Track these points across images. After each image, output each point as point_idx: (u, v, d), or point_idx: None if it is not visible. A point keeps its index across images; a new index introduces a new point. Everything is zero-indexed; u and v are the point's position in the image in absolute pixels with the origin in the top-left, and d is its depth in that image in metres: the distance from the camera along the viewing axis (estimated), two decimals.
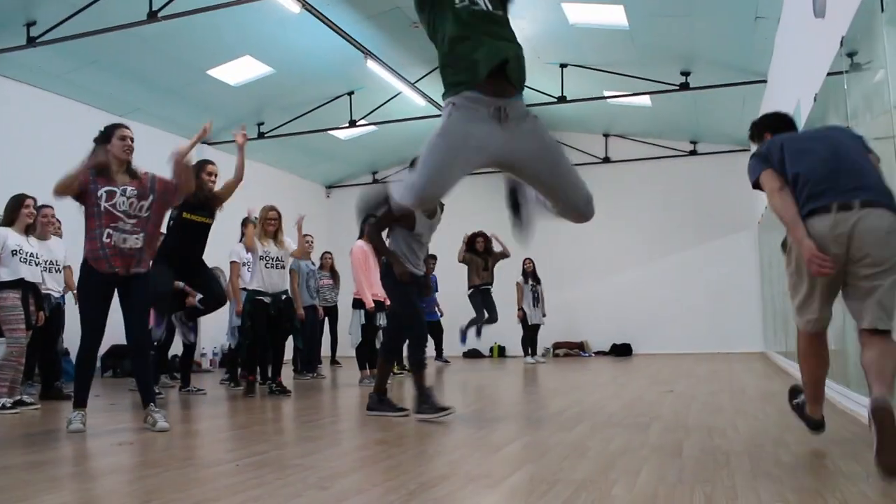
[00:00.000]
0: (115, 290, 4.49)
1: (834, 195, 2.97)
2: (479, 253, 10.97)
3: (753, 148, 4.27)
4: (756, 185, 3.35)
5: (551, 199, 3.12)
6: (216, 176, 6.28)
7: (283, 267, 6.93)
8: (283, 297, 6.93)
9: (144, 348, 4.61)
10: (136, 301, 4.53)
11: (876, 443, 2.59)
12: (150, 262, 4.76)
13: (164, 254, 5.88)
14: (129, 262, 4.45)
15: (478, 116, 2.93)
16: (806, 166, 3.11)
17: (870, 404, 2.70)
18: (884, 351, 2.89)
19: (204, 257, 6.23)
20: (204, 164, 6.28)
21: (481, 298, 10.79)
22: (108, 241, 4.40)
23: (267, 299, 6.77)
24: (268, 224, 6.96)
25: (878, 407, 2.64)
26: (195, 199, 5.89)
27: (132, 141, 4.64)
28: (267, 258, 6.83)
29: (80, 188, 4.42)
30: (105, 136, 4.59)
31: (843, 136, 3.27)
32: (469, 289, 10.92)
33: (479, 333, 10.99)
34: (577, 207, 3.13)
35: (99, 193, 4.44)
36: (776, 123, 3.69)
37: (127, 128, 4.66)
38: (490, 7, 3.01)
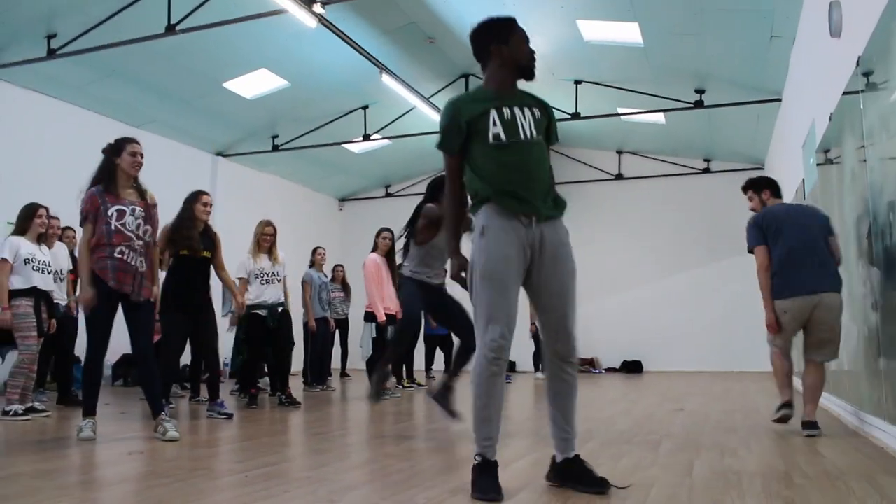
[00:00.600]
0: (120, 304, 4.52)
1: (797, 289, 4.66)
2: None
3: (746, 197, 5.42)
4: (750, 251, 5.06)
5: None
6: (211, 206, 6.09)
7: (278, 281, 6.94)
8: (280, 309, 6.94)
9: (150, 359, 4.63)
10: (140, 322, 4.60)
11: None
12: (156, 301, 4.84)
13: (170, 297, 5.81)
14: (132, 281, 4.50)
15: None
16: (779, 252, 4.86)
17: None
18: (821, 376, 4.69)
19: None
20: (199, 195, 6.06)
21: None
22: (122, 256, 4.45)
23: (263, 312, 6.79)
24: (263, 240, 6.93)
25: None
26: (191, 234, 5.86)
27: (142, 157, 4.66)
28: (261, 273, 6.83)
29: (93, 213, 4.47)
30: (116, 150, 4.62)
31: (812, 222, 4.71)
32: None
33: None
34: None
35: (110, 212, 4.48)
36: (773, 187, 5.22)
37: (138, 143, 4.68)
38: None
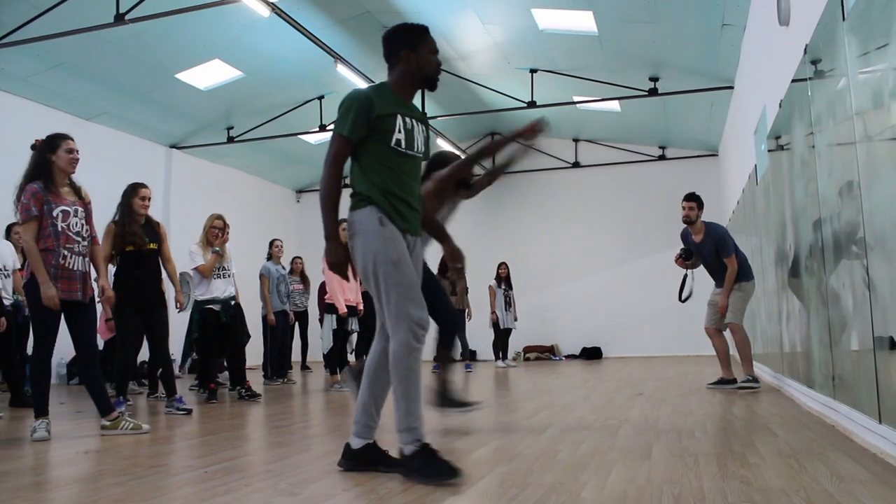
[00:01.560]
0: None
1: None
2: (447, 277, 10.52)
3: (686, 206, 6.83)
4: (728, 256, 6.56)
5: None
6: (150, 199, 5.91)
7: (228, 276, 6.87)
8: (233, 302, 6.88)
9: (94, 359, 4.56)
10: (83, 322, 4.53)
11: None
12: (101, 294, 4.77)
13: (121, 294, 5.60)
14: (73, 285, 4.42)
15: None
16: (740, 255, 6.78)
17: None
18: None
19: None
20: (136, 188, 5.87)
21: None
22: (63, 262, 4.38)
23: (217, 307, 6.72)
24: (212, 233, 6.83)
25: None
26: (134, 228, 5.72)
27: (78, 153, 4.55)
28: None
29: (39, 211, 4.36)
30: (50, 146, 4.49)
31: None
32: None
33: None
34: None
35: (55, 213, 4.38)
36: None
37: (73, 140, 4.56)
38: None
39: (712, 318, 6.79)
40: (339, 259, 3.01)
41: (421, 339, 2.89)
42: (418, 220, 3.10)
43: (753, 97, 7.63)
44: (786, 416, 4.56)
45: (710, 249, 6.63)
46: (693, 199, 6.84)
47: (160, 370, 6.25)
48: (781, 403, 5.33)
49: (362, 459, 3.02)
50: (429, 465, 2.78)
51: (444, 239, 3.65)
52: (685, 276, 7.23)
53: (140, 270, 5.72)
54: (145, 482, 2.97)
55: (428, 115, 11.54)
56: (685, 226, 6.89)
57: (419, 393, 2.90)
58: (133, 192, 5.83)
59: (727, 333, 6.77)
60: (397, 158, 3.00)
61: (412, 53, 3.07)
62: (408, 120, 3.03)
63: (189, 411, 5.58)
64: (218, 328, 6.74)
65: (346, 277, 3.18)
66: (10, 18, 8.11)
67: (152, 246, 5.82)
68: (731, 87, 9.97)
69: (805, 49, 4.40)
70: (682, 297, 7.22)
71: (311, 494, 2.65)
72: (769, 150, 6.52)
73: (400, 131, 2.99)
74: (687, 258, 6.93)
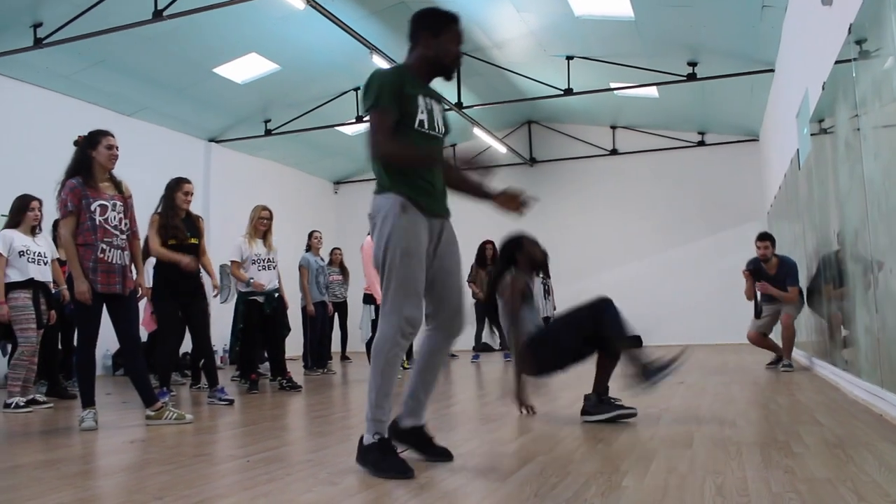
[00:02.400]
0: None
1: None
2: (485, 265, 10.09)
3: (762, 245, 7.44)
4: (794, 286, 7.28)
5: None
6: (192, 194, 6.02)
7: (274, 267, 6.93)
8: (276, 294, 6.95)
9: (137, 351, 4.64)
10: (126, 314, 4.60)
11: None
12: (144, 287, 4.87)
13: (161, 286, 5.78)
14: (112, 278, 4.49)
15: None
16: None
17: None
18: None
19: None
20: (181, 182, 5.97)
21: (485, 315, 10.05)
22: (103, 256, 4.45)
23: (260, 299, 6.79)
24: (260, 224, 6.91)
25: None
26: (176, 223, 5.83)
27: (118, 149, 4.63)
28: (258, 259, 6.82)
29: (77, 206, 4.44)
30: (91, 143, 4.57)
31: None
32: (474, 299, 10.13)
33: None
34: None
35: (93, 207, 4.46)
36: None
37: (113, 136, 4.64)
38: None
39: (758, 325, 7.60)
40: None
41: (408, 336, 2.85)
42: (444, 200, 3.05)
43: (795, 80, 7.47)
44: (831, 405, 4.48)
45: (781, 279, 7.34)
46: (767, 238, 7.49)
47: (202, 361, 6.35)
48: (826, 391, 5.23)
49: (406, 440, 3.06)
50: (383, 461, 2.77)
51: (484, 193, 3.09)
52: (756, 298, 7.70)
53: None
54: (190, 471, 3.02)
55: (463, 105, 11.59)
56: (757, 259, 7.52)
57: (392, 387, 2.87)
58: (177, 187, 5.93)
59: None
60: (421, 140, 2.95)
61: (433, 38, 3.02)
62: (427, 100, 2.99)
63: (231, 401, 5.66)
64: (261, 319, 6.83)
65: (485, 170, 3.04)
66: (53, 18, 8.26)
67: (193, 241, 5.92)
68: (772, 70, 9.77)
69: (849, 29, 4.29)
70: (760, 316, 7.70)
71: (350, 484, 2.67)
72: (812, 134, 6.38)
73: (422, 112, 2.95)
74: (755, 274, 7.50)
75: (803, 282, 7.46)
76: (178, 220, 5.84)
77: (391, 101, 2.87)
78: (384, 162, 2.92)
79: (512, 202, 3.00)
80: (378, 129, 2.87)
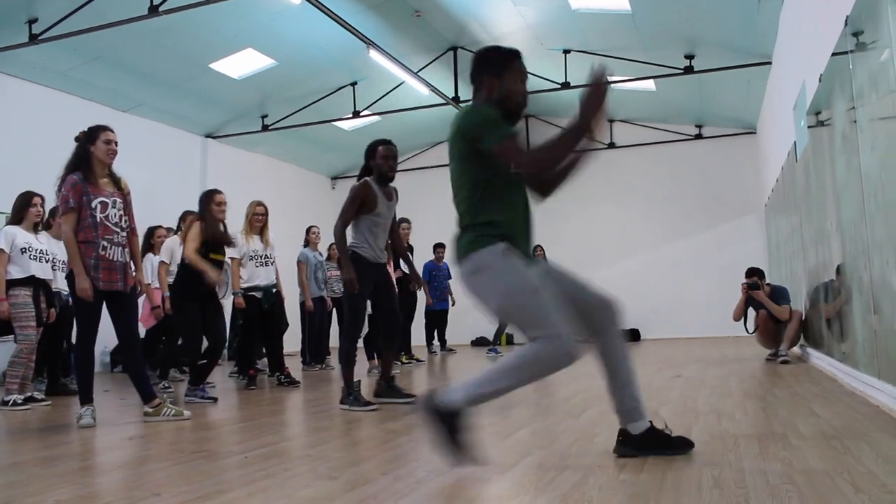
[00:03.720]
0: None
1: None
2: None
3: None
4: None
5: None
6: (226, 205, 6.08)
7: (271, 263, 6.95)
8: (274, 290, 6.96)
9: (136, 347, 4.64)
10: (125, 311, 4.59)
11: None
12: (143, 283, 4.89)
13: (182, 287, 5.89)
14: (113, 275, 4.48)
15: None
16: None
17: None
18: None
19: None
20: (212, 194, 6.05)
21: None
22: (104, 253, 4.44)
23: (259, 294, 6.80)
24: (255, 220, 6.94)
25: None
26: (213, 236, 5.92)
27: (116, 144, 4.62)
28: (255, 255, 6.85)
29: (78, 203, 4.44)
30: (90, 138, 4.56)
31: None
32: None
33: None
34: None
35: (93, 204, 4.45)
36: None
37: (112, 131, 4.63)
38: None
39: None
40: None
41: (576, 354, 2.59)
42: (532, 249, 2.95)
43: (792, 72, 7.47)
44: (828, 397, 4.49)
45: (775, 300, 7.67)
46: (755, 274, 7.93)
47: (205, 359, 6.36)
48: (823, 383, 5.25)
49: (644, 444, 2.79)
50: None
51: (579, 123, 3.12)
52: (745, 318, 8.02)
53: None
54: (188, 467, 3.02)
55: (461, 99, 11.57)
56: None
57: (503, 392, 2.68)
58: (210, 199, 6.03)
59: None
60: (518, 185, 2.88)
61: (496, 80, 2.89)
62: None
63: (215, 399, 5.68)
64: (259, 315, 6.84)
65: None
66: (49, 14, 8.24)
67: (220, 257, 6.10)
68: (769, 63, 9.77)
69: (846, 21, 4.29)
70: (751, 330, 8.02)
71: (350, 478, 2.67)
72: (809, 126, 6.38)
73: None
74: (752, 288, 7.76)
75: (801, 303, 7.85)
76: (219, 234, 5.96)
77: (505, 128, 2.78)
78: (542, 173, 2.90)
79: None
80: (518, 151, 2.77)
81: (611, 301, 2.88)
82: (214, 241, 5.92)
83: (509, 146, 2.74)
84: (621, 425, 2.85)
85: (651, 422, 2.82)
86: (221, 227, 6.02)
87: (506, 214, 2.81)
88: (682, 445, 2.82)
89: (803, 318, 7.56)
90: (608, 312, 2.85)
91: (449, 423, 2.66)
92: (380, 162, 5.18)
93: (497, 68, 2.91)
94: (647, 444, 2.79)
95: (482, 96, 2.93)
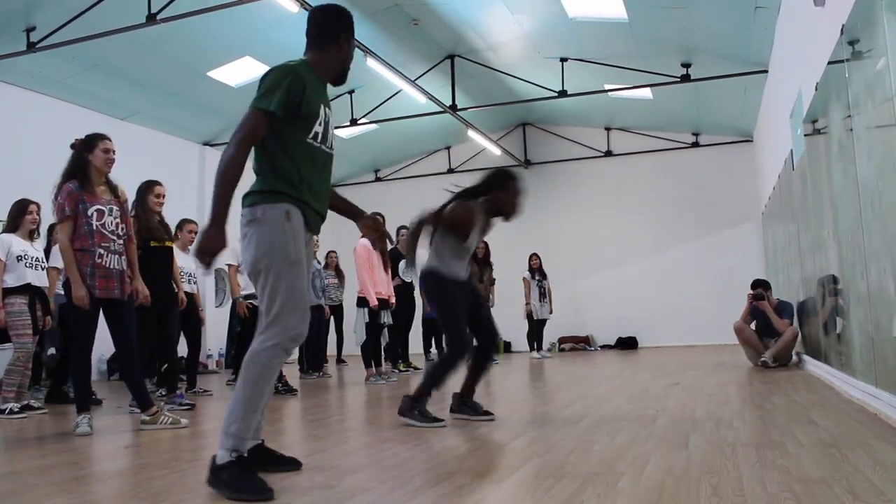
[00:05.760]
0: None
1: None
2: (476, 261, 9.73)
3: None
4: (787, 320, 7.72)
5: None
6: (164, 197, 5.99)
7: None
8: None
9: (133, 355, 4.61)
10: (122, 319, 4.56)
11: None
12: (140, 291, 4.83)
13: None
14: (110, 283, 4.47)
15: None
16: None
17: None
18: None
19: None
20: (152, 185, 5.96)
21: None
22: (100, 261, 4.43)
23: (256, 302, 6.78)
24: None
25: None
26: (152, 223, 5.85)
27: (114, 153, 4.62)
28: None
29: (74, 211, 4.43)
30: (88, 146, 4.55)
31: None
32: None
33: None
34: None
35: (90, 212, 4.44)
36: None
37: (110, 140, 4.62)
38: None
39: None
40: (217, 247, 2.62)
41: (289, 351, 2.70)
42: (321, 221, 2.92)
43: (788, 80, 7.49)
44: (826, 405, 4.49)
45: (778, 314, 7.76)
46: (760, 285, 8.11)
47: (164, 365, 6.38)
48: (821, 391, 5.25)
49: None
50: (239, 480, 2.51)
51: (355, 213, 3.25)
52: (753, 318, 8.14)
53: (157, 265, 5.85)
54: (185, 475, 3.01)
55: (458, 107, 11.60)
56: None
57: (263, 403, 2.71)
58: (148, 190, 5.94)
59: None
60: (312, 151, 2.81)
61: (347, 44, 2.95)
62: (327, 112, 2.88)
63: (191, 406, 5.69)
64: (257, 323, 6.81)
65: (208, 265, 2.67)
66: (46, 23, 8.26)
67: (169, 244, 6.04)
68: (766, 71, 9.81)
69: (842, 30, 4.31)
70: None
71: (347, 486, 2.67)
72: (805, 135, 6.40)
73: (320, 123, 2.82)
74: (758, 299, 7.90)
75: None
76: (154, 222, 5.87)
77: (279, 106, 2.69)
78: (225, 164, 2.63)
79: (373, 230, 3.16)
80: (246, 130, 2.68)
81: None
82: (150, 231, 5.82)
83: (251, 115, 2.71)
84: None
85: None
86: (157, 219, 5.93)
87: (294, 178, 2.78)
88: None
89: (798, 336, 7.66)
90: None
91: (233, 472, 2.55)
92: (511, 197, 4.40)
93: (350, 30, 3.03)
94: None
95: (329, 55, 2.97)
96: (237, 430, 2.61)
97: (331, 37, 2.95)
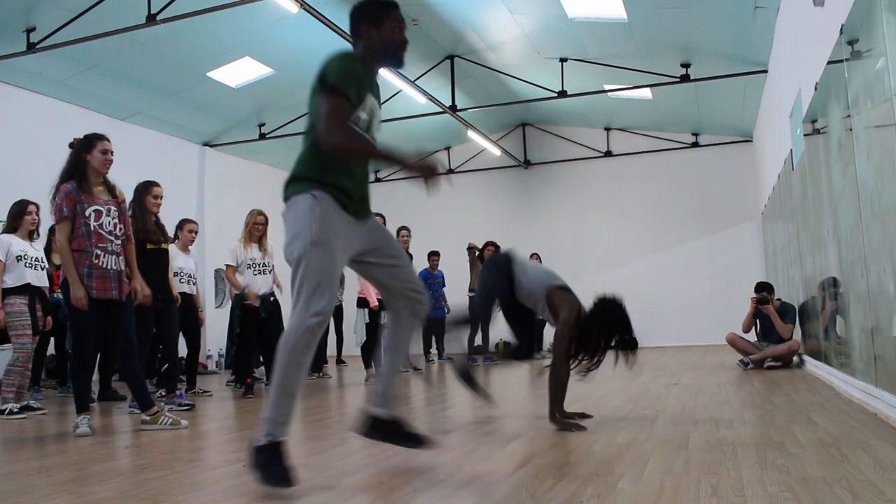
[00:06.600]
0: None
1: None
2: (481, 261, 10.03)
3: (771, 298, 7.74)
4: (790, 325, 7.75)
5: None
6: (161, 198, 6.00)
7: (269, 271, 6.96)
8: (272, 298, 6.97)
9: (134, 354, 4.61)
10: (122, 318, 4.57)
11: None
12: (140, 290, 4.80)
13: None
14: (108, 284, 4.47)
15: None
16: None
17: None
18: None
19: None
20: (150, 186, 5.96)
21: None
22: (97, 261, 4.43)
23: (256, 303, 6.79)
24: (255, 229, 6.94)
25: None
26: (148, 225, 5.86)
27: (112, 154, 4.61)
28: (253, 263, 6.85)
29: (72, 211, 4.42)
30: (86, 146, 4.55)
31: None
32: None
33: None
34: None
35: (87, 213, 4.44)
36: None
37: (109, 140, 4.62)
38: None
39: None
40: (433, 163, 2.79)
41: (314, 330, 2.70)
42: (361, 205, 2.91)
43: (788, 80, 7.49)
44: (826, 405, 4.49)
45: (781, 316, 7.75)
46: (765, 288, 8.06)
47: (166, 366, 6.40)
48: (820, 391, 5.25)
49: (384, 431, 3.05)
50: (267, 465, 2.61)
51: (400, 159, 2.86)
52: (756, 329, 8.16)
53: (154, 267, 5.83)
54: (184, 476, 3.01)
55: (458, 108, 11.59)
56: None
57: (297, 387, 2.73)
58: (146, 190, 5.95)
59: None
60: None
61: (374, 29, 2.95)
62: (372, 101, 2.92)
63: (191, 406, 5.71)
64: (256, 324, 6.83)
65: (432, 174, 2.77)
66: (46, 23, 8.25)
67: (165, 245, 6.05)
68: (765, 71, 9.80)
69: (841, 29, 4.31)
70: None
71: (347, 487, 2.67)
72: (805, 134, 6.40)
73: (363, 109, 2.86)
74: (762, 302, 7.86)
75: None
76: (150, 224, 5.88)
77: (353, 84, 2.79)
78: (350, 146, 2.78)
79: (430, 172, 2.81)
80: (336, 114, 2.76)
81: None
82: (146, 233, 5.83)
83: (332, 97, 2.77)
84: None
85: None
86: (153, 220, 5.95)
87: (333, 169, 2.84)
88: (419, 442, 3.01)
89: (798, 348, 7.69)
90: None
91: (265, 458, 2.65)
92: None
93: (375, 18, 2.96)
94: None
95: (362, 45, 2.99)
96: (270, 416, 2.69)
97: (355, 30, 3.02)
